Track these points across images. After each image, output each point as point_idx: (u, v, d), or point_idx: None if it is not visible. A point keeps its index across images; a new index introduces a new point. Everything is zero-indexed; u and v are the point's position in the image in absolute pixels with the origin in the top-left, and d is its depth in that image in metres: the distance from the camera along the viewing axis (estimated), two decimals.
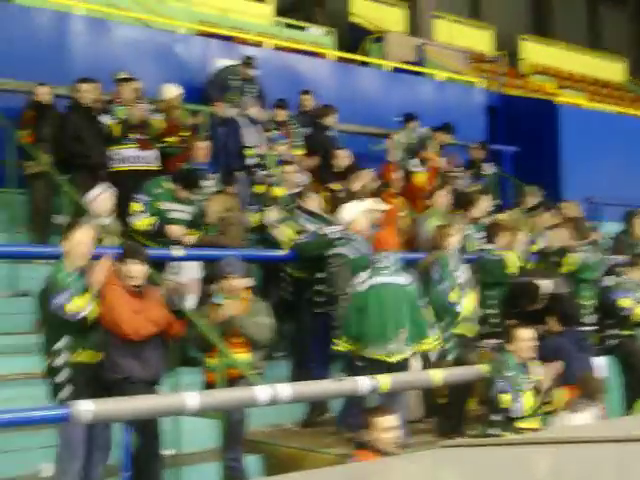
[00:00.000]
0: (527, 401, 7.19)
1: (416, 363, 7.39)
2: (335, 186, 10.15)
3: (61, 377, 6.04)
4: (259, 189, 9.78)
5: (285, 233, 8.60)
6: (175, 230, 8.30)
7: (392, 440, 5.98)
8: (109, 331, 6.17)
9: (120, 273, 6.31)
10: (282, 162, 10.10)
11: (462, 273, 8.25)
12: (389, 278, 7.41)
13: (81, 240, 6.29)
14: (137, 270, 6.31)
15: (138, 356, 6.19)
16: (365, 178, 9.92)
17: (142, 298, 6.30)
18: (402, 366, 7.27)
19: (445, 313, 7.94)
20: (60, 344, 6.10)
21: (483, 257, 9.05)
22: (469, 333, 8.21)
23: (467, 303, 8.07)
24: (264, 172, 10.01)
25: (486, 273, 8.92)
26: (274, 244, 8.64)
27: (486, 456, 2.86)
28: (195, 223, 8.59)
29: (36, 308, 6.47)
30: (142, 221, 8.33)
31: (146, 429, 6.12)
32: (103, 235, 7.68)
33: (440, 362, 7.71)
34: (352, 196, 9.32)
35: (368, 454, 5.94)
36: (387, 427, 6.01)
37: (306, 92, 11.97)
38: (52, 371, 6.11)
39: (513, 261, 8.95)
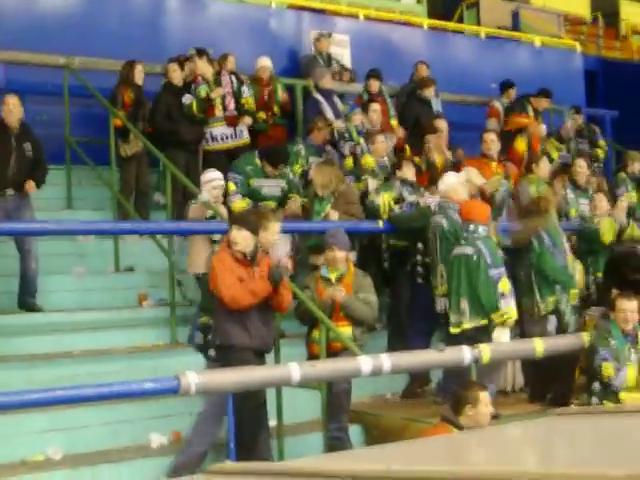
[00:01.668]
0: (631, 374, 7.05)
1: (499, 335, 7.17)
2: (418, 160, 10.05)
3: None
4: (348, 162, 9.77)
5: (384, 199, 8.58)
6: None
7: (488, 415, 5.89)
8: (215, 297, 6.26)
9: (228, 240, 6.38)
10: (363, 133, 10.04)
11: (565, 241, 8.21)
12: (461, 249, 7.35)
13: (276, 232, 6.54)
14: (240, 237, 6.32)
15: (243, 324, 6.21)
16: (434, 143, 9.78)
17: (250, 266, 6.30)
18: (465, 337, 7.11)
19: (563, 278, 7.88)
20: None
21: (582, 225, 9.07)
22: (575, 301, 8.10)
23: (578, 269, 8.03)
24: (350, 143, 9.97)
25: (583, 241, 8.93)
26: (373, 215, 8.62)
27: (601, 423, 2.82)
28: (290, 192, 8.78)
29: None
30: (237, 203, 8.46)
31: (253, 399, 6.18)
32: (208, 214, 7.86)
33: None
34: (432, 167, 9.28)
35: (448, 428, 5.87)
36: (488, 402, 5.92)
37: (422, 62, 11.85)
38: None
39: (608, 229, 8.86)
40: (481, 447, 3.29)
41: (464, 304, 7.21)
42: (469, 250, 7.28)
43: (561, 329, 7.80)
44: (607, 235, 8.95)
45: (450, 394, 7.42)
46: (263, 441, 6.34)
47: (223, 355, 6.23)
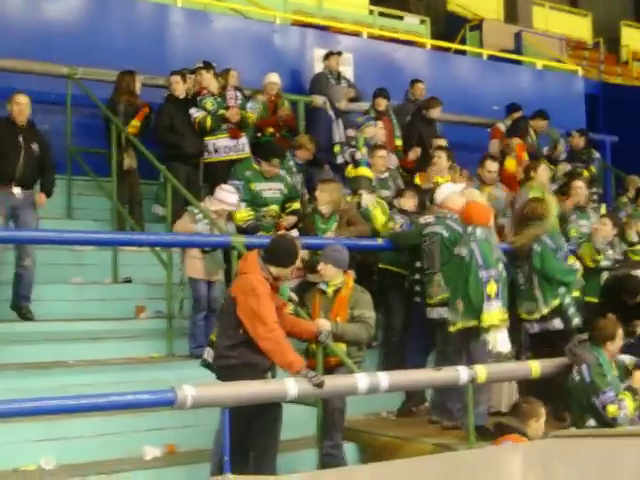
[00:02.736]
0: (629, 405, 7.00)
1: (494, 340, 7.16)
2: (418, 179, 10.03)
3: None
4: (348, 172, 9.77)
5: (379, 219, 8.62)
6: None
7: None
8: (239, 319, 6.04)
9: (264, 266, 6.14)
10: (370, 145, 10.06)
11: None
12: (458, 249, 7.39)
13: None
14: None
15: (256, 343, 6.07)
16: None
17: (276, 295, 6.27)
18: (459, 336, 7.23)
19: (568, 279, 7.87)
20: None
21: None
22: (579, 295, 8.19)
23: (579, 270, 8.07)
24: (352, 149, 9.98)
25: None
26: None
27: (599, 446, 2.81)
28: (290, 197, 8.88)
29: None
30: (240, 213, 8.45)
31: (270, 411, 6.13)
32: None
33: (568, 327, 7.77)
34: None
35: (520, 439, 5.96)
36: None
37: (420, 81, 11.89)
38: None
39: (586, 253, 9.00)
40: (477, 468, 3.28)
41: (459, 304, 7.27)
42: (464, 251, 7.33)
43: (566, 323, 7.78)
44: (586, 259, 8.97)
45: (445, 412, 7.45)
46: (271, 455, 6.26)
47: (236, 373, 5.97)
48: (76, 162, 9.71)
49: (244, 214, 8.54)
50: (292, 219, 8.77)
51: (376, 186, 9.46)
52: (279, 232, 8.22)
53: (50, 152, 8.30)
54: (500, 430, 6.19)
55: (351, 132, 10.16)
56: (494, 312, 7.16)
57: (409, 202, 8.75)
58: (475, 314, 7.18)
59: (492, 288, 7.19)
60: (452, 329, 7.32)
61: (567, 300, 7.81)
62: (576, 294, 8.01)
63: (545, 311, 7.81)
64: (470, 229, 7.37)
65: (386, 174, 9.72)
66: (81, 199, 9.85)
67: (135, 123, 9.51)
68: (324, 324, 6.69)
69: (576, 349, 7.27)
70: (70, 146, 9.77)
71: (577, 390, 7.13)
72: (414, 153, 10.97)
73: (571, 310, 7.81)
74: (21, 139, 8.04)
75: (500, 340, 7.15)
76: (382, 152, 9.76)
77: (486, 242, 7.33)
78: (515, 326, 7.77)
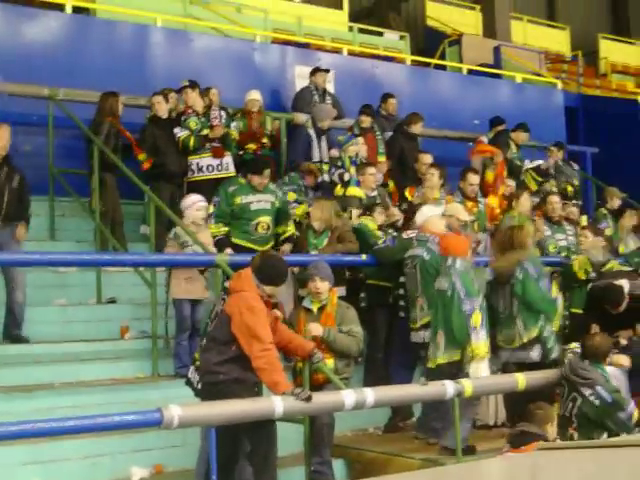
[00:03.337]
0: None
1: (475, 370, 7.09)
2: (408, 193, 10.08)
3: None
4: (338, 190, 9.78)
5: (369, 225, 8.72)
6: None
7: None
8: (232, 336, 6.01)
9: (259, 284, 6.13)
10: (356, 163, 10.09)
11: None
12: (439, 282, 7.34)
13: None
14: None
15: (248, 360, 5.99)
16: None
17: (270, 308, 6.25)
18: (440, 372, 7.08)
19: (548, 308, 7.71)
20: None
21: (565, 259, 9.21)
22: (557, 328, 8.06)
23: (560, 299, 8.04)
24: (340, 170, 10.02)
25: (562, 276, 9.00)
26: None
27: (586, 458, 2.83)
28: (281, 217, 8.84)
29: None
30: (210, 229, 8.46)
31: (262, 431, 6.10)
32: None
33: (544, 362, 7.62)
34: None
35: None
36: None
37: (392, 96, 11.93)
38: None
39: (581, 265, 8.99)
40: None
41: (440, 337, 7.21)
42: (445, 284, 7.26)
43: (544, 356, 7.62)
44: (579, 272, 8.99)
45: (430, 430, 7.45)
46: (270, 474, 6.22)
47: (227, 389, 5.96)
48: (58, 183, 9.69)
49: (214, 230, 8.54)
50: (288, 248, 8.74)
51: (365, 205, 9.49)
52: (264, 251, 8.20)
53: (27, 183, 8.17)
54: (523, 437, 6.10)
55: (335, 152, 10.16)
56: (482, 342, 7.13)
57: (380, 218, 8.91)
58: (459, 347, 7.14)
59: (477, 318, 7.15)
60: (431, 365, 7.24)
61: (546, 332, 7.60)
62: (555, 328, 7.85)
63: (524, 340, 7.59)
64: (450, 261, 7.33)
65: (375, 192, 9.75)
66: (64, 220, 9.83)
67: (144, 157, 9.50)
68: (316, 328, 6.74)
69: (583, 372, 7.11)
70: (52, 167, 9.75)
71: (598, 413, 6.99)
72: (385, 165, 10.97)
73: (550, 343, 7.59)
74: (3, 175, 7.96)
75: (482, 370, 7.13)
76: (372, 169, 9.78)
77: (466, 273, 7.29)
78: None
